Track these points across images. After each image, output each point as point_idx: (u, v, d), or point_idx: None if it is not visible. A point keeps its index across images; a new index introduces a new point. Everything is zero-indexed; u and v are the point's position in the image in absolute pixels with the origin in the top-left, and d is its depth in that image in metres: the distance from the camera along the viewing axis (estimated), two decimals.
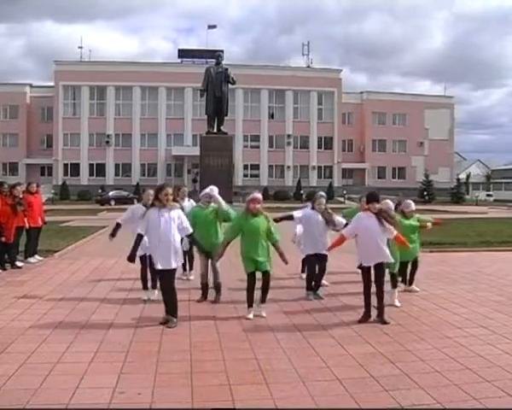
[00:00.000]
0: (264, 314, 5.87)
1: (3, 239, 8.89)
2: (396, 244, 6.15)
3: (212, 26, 53.73)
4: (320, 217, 6.94)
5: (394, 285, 6.60)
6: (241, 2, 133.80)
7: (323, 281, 7.49)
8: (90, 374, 4.06)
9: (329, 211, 7.11)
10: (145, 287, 6.87)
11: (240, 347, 4.82)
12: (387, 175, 57.58)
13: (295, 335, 5.23)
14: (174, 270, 5.55)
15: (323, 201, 6.99)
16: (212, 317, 5.89)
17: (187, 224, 5.64)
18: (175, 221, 5.47)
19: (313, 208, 7.04)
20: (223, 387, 3.84)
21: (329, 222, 6.95)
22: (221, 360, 4.42)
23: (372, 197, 5.83)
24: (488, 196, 61.78)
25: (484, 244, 12.73)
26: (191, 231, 5.70)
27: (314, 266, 7.00)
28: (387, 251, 5.76)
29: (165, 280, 5.52)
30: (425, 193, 47.86)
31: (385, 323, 5.59)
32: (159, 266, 5.43)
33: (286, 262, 5.96)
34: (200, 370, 4.19)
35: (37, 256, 10.04)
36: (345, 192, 46.06)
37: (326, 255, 6.95)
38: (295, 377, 4.06)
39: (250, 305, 5.87)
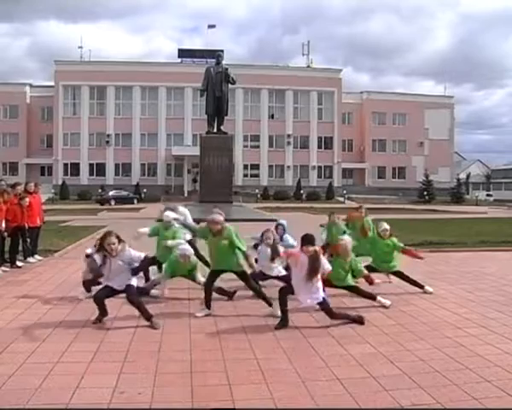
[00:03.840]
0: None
1: (5, 235, 8.98)
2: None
3: (211, 26, 53.89)
4: (268, 250, 6.55)
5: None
6: (246, 2, 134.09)
7: None
8: (90, 374, 4.06)
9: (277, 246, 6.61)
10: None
11: (240, 347, 4.82)
12: (387, 175, 57.64)
13: (295, 335, 5.23)
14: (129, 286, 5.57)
15: (271, 235, 6.58)
16: (212, 317, 5.89)
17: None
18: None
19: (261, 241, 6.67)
20: (223, 387, 3.84)
21: (273, 257, 6.54)
22: (221, 360, 4.42)
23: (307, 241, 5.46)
24: (488, 195, 61.89)
25: (484, 244, 12.72)
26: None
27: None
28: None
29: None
30: (425, 193, 47.95)
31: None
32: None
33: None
34: (200, 370, 4.19)
35: (36, 256, 10.04)
36: (345, 192, 46.13)
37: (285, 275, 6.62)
38: (295, 377, 4.06)
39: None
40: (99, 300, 5.50)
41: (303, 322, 5.66)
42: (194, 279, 6.82)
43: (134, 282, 5.62)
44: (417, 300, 6.88)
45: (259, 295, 6.17)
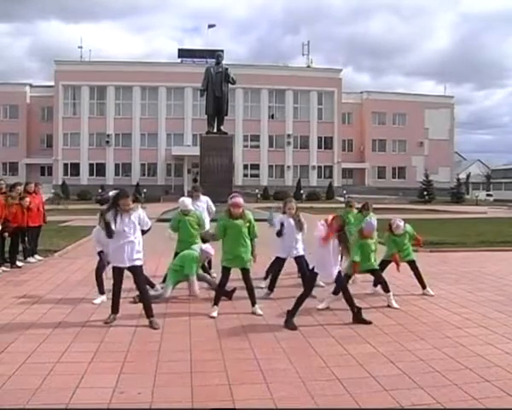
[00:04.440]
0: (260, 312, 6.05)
1: (6, 235, 8.99)
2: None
3: (211, 25, 53.79)
4: (292, 221, 6.90)
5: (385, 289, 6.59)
6: (247, 1, 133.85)
7: (320, 281, 7.54)
8: (90, 374, 4.06)
9: (300, 215, 7.05)
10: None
11: (240, 347, 4.82)
12: (387, 175, 57.57)
13: (295, 335, 5.23)
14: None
15: (294, 205, 6.96)
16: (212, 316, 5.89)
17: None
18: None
19: (284, 213, 6.93)
20: (223, 387, 3.84)
21: (300, 226, 6.92)
22: (221, 360, 4.42)
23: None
24: (488, 195, 61.84)
25: (484, 244, 12.72)
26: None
27: (281, 267, 7.08)
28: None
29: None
30: (425, 193, 47.88)
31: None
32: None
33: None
34: (200, 370, 4.19)
35: (36, 256, 10.05)
36: (345, 192, 46.07)
37: (301, 256, 6.95)
38: (295, 377, 4.06)
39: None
40: (117, 291, 5.64)
41: (303, 322, 5.66)
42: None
43: (141, 260, 5.60)
44: (417, 300, 6.88)
45: (251, 295, 6.18)
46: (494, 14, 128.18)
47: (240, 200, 6.15)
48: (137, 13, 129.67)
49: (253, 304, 6.12)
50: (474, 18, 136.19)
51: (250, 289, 6.16)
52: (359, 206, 8.73)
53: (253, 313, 6.04)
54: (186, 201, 7.65)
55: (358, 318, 5.67)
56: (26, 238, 9.78)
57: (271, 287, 7.02)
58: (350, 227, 8.26)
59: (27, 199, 9.51)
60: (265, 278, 7.58)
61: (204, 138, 23.54)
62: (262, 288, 7.29)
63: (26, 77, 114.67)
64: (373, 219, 6.69)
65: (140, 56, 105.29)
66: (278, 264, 7.04)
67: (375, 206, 9.30)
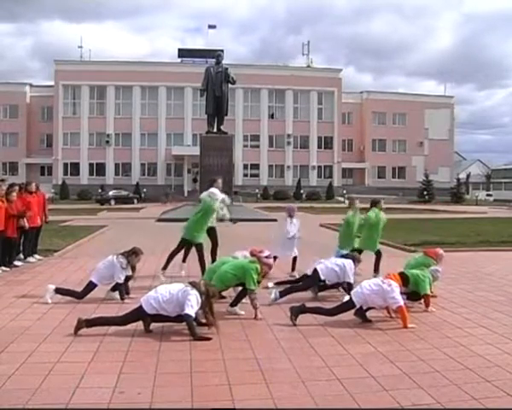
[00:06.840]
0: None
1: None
2: None
3: (211, 26, 53.91)
4: None
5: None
6: (250, 1, 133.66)
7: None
8: (89, 374, 4.05)
9: None
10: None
11: (240, 347, 4.82)
12: (387, 175, 57.64)
13: (295, 335, 5.23)
14: None
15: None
16: None
17: None
18: None
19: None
20: (223, 387, 3.84)
21: None
22: (221, 360, 4.41)
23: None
24: (488, 195, 61.92)
25: (484, 244, 12.72)
26: None
27: None
28: None
29: None
30: (425, 193, 47.93)
31: None
32: None
33: None
34: (200, 370, 4.18)
35: (36, 256, 10.04)
36: (345, 192, 46.10)
37: None
38: (295, 377, 4.06)
39: None
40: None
41: (303, 322, 5.66)
42: None
43: None
44: None
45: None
46: (497, 13, 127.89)
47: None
48: (140, 13, 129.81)
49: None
50: (476, 18, 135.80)
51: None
52: (362, 205, 8.79)
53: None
54: (216, 191, 8.26)
55: (361, 314, 5.66)
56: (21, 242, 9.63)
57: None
58: (351, 229, 8.35)
59: (13, 206, 8.92)
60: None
61: (204, 138, 23.59)
62: (269, 287, 7.20)
63: (28, 77, 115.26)
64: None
65: (142, 56, 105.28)
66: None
67: None
